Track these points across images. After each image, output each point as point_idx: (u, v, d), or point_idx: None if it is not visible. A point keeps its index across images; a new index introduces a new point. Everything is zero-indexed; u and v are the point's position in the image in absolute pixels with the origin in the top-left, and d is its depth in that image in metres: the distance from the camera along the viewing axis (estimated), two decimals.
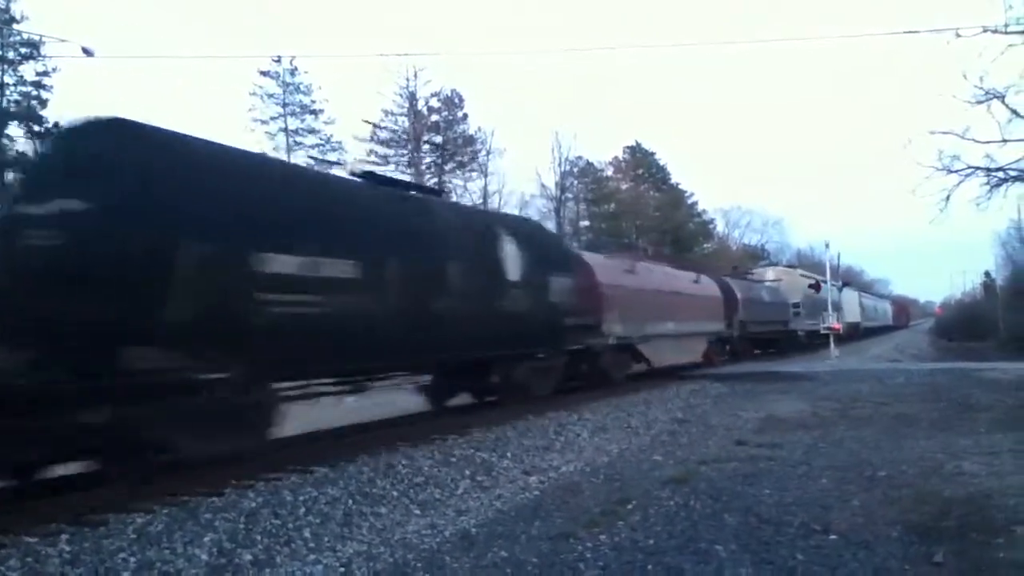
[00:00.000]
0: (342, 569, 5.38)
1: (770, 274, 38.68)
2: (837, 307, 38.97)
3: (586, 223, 57.76)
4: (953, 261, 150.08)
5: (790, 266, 46.37)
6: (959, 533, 5.58)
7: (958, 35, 18.48)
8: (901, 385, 16.84)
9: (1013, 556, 5.02)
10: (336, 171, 27.57)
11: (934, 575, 4.76)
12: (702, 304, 22.80)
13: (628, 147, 66.49)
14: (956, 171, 21.31)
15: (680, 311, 20.44)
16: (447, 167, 48.58)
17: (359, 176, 11.69)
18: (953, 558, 5.04)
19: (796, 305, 35.94)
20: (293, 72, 46.31)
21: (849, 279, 61.71)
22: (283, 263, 8.22)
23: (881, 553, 5.19)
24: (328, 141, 47.35)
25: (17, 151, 35.07)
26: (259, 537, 6.11)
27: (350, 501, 7.23)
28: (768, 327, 31.46)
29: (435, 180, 47.76)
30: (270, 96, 46.30)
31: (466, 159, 48.92)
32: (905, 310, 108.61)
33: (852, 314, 47.54)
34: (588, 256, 18.16)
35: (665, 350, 19.34)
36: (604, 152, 75.57)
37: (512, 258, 12.68)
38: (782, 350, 34.16)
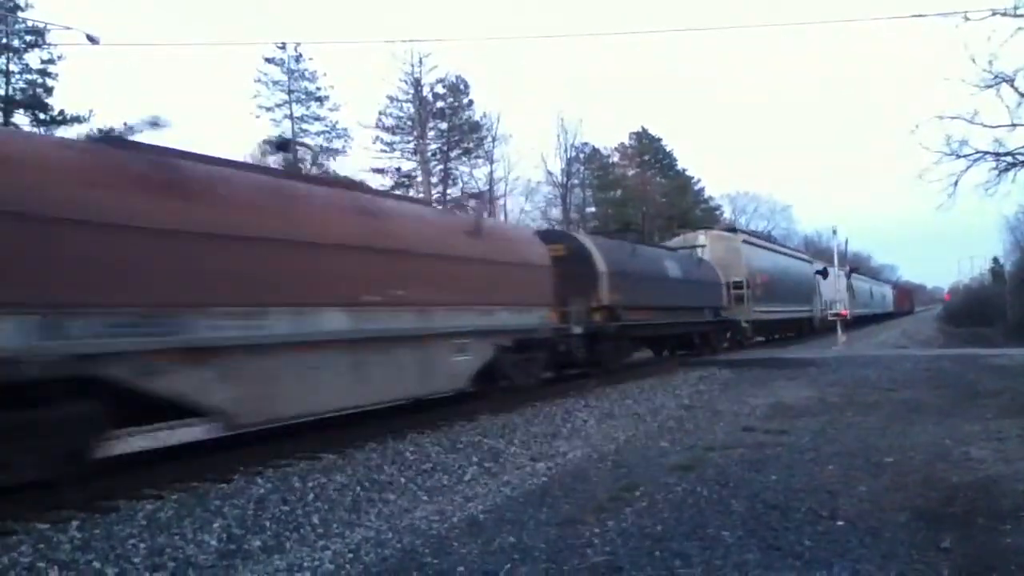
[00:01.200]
0: (350, 555, 5.40)
1: (701, 239, 27.05)
2: (815, 290, 34.73)
3: (592, 209, 57.65)
4: (962, 247, 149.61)
5: (731, 229, 31.56)
6: (966, 519, 5.58)
7: (966, 18, 18.34)
8: (908, 371, 16.81)
9: (1021, 542, 5.02)
10: None
11: (941, 560, 4.76)
12: (482, 275, 12.10)
13: (634, 133, 66.34)
14: (964, 156, 21.22)
15: (400, 286, 10.20)
16: (453, 154, 48.47)
17: None
18: (960, 544, 5.03)
19: (738, 286, 25.32)
20: (298, 59, 46.19)
21: (850, 263, 52.77)
22: None
23: (888, 539, 5.19)
24: (333, 128, 47.32)
25: None
26: (268, 523, 6.15)
27: (358, 487, 7.26)
28: (673, 317, 20.05)
29: (441, 167, 47.73)
30: (275, 83, 46.20)
31: (472, 146, 48.79)
32: (909, 296, 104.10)
33: (841, 300, 37.94)
34: None
35: (313, 381, 8.77)
36: (610, 138, 75.41)
37: None
38: (705, 350, 23.44)
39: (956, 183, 21.46)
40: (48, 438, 6.45)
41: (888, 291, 74.37)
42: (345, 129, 47.47)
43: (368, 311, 9.67)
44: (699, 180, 72.90)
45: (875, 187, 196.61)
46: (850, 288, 40.53)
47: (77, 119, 36.68)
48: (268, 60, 45.48)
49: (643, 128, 66.62)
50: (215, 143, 65.91)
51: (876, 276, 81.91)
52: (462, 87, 48.50)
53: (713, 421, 11.04)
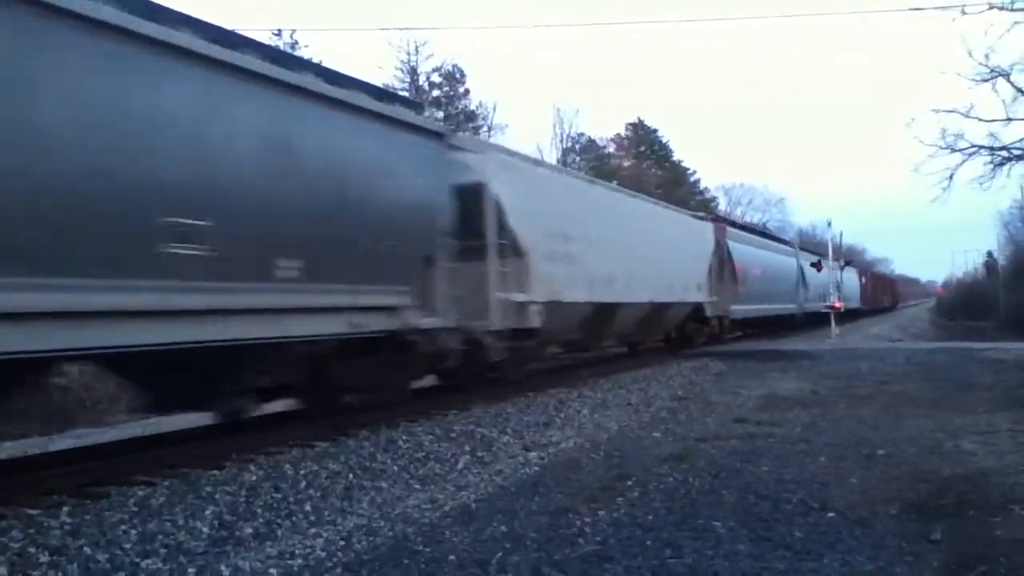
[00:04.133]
0: (342, 542, 5.41)
1: None
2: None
3: None
4: (957, 240, 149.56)
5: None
6: (957, 511, 5.60)
7: (964, 12, 18.33)
8: (901, 364, 16.87)
9: (1010, 534, 5.05)
10: None
11: (931, 552, 4.78)
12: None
13: (630, 124, 66.24)
14: (959, 150, 21.27)
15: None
16: None
17: None
18: (950, 536, 5.06)
19: None
20: (294, 46, 45.91)
21: (844, 256, 37.52)
22: None
23: (879, 530, 5.21)
24: None
25: None
26: (260, 510, 6.14)
27: (351, 475, 7.26)
28: None
29: None
30: None
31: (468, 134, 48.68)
32: (889, 288, 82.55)
33: (692, 284, 19.46)
34: None
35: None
36: (606, 129, 75.37)
37: None
38: None
39: (951, 177, 21.53)
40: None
41: (852, 278, 47.64)
42: None
43: None
44: (694, 172, 72.84)
45: (870, 180, 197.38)
46: (720, 270, 22.03)
47: None
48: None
49: (639, 119, 66.58)
50: None
51: (818, 250, 45.16)
52: (458, 76, 48.38)
53: (706, 412, 11.06)
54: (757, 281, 25.33)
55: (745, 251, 25.22)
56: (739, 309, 23.60)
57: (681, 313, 19.56)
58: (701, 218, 23.16)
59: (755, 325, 27.48)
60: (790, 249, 35.33)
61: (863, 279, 55.28)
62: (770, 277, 27.40)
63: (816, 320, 34.13)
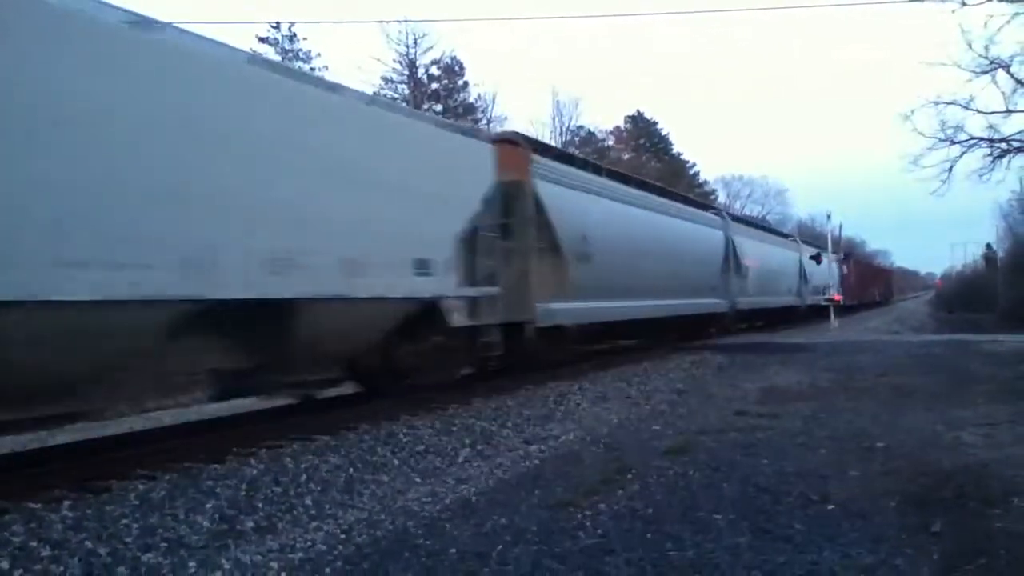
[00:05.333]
0: (343, 536, 5.41)
1: None
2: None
3: None
4: (955, 233, 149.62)
5: None
6: (956, 504, 5.60)
7: (964, 3, 18.32)
8: (900, 357, 16.87)
9: (1010, 527, 5.05)
10: None
11: (931, 545, 4.78)
12: None
13: (629, 117, 66.32)
14: (959, 142, 21.30)
15: None
16: None
17: None
18: (950, 528, 5.06)
19: None
20: (292, 39, 45.87)
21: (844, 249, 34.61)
22: None
23: (879, 523, 5.21)
24: None
25: None
26: (261, 504, 6.15)
27: (351, 469, 7.27)
28: None
29: None
30: None
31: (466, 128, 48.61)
32: (881, 279, 74.17)
33: (404, 260, 9.54)
34: None
35: None
36: (606, 121, 75.27)
37: None
38: None
39: (951, 169, 21.56)
40: None
41: (833, 271, 36.46)
42: None
43: None
44: (694, 164, 73.01)
45: (870, 173, 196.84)
46: (520, 237, 12.61)
47: None
48: (262, 40, 45.09)
49: (638, 111, 66.66)
50: None
51: (817, 242, 39.42)
52: (457, 68, 48.33)
53: (706, 405, 11.07)
54: (616, 260, 15.51)
55: (591, 208, 15.09)
56: (570, 309, 13.82)
57: (370, 324, 9.63)
58: (466, 132, 13.13)
59: (626, 335, 18.32)
60: (713, 218, 24.60)
61: (844, 268, 44.34)
62: (653, 255, 17.64)
63: (761, 323, 27.39)
